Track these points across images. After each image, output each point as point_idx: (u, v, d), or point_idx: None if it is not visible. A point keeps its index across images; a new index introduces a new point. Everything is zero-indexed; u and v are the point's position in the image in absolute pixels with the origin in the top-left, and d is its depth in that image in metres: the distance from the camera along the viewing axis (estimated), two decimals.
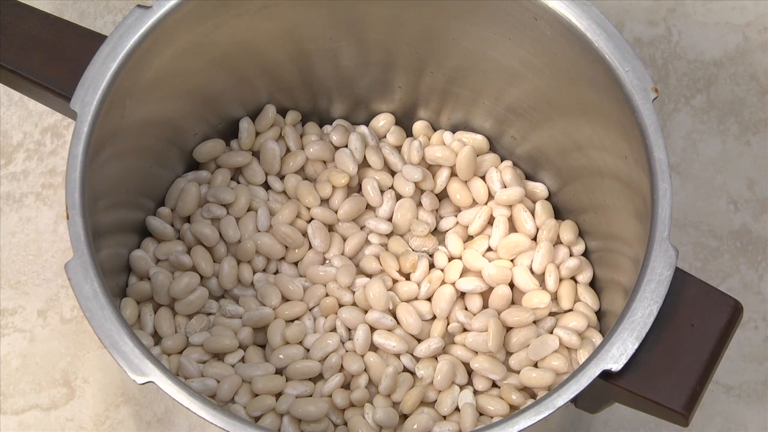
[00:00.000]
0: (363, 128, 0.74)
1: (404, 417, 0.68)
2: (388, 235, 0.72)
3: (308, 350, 0.68)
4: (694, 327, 0.58)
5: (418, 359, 0.69)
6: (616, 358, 0.57)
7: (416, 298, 0.70)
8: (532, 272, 0.70)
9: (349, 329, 0.69)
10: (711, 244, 0.77)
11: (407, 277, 0.70)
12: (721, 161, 0.79)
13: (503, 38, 0.68)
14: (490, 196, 0.72)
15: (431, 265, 0.71)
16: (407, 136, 0.75)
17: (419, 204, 0.73)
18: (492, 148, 0.74)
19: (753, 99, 0.81)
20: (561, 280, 0.70)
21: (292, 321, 0.69)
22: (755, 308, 0.75)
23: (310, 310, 0.70)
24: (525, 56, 0.68)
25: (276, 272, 0.71)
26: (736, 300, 0.59)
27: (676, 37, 0.82)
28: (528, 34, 0.66)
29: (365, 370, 0.68)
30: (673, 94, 0.81)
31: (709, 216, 0.78)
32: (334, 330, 0.69)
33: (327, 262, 0.71)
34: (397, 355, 0.68)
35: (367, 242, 0.72)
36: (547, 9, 0.64)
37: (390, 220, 0.72)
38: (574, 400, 0.58)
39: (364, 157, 0.73)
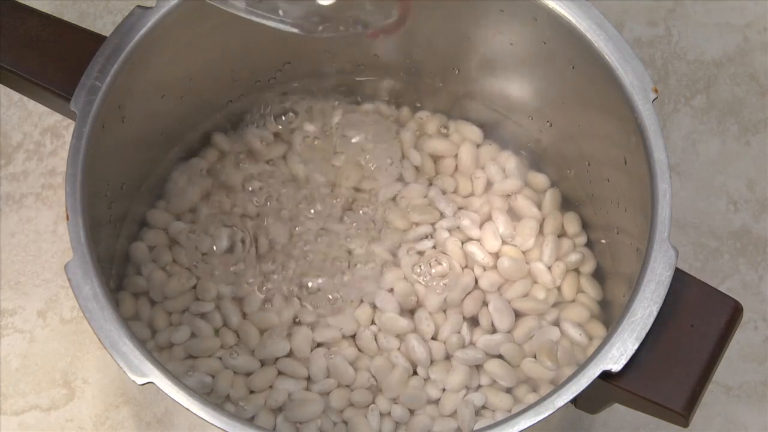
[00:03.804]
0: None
1: None
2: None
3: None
4: (694, 327, 0.58)
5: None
6: (616, 358, 0.57)
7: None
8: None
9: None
10: (711, 245, 0.77)
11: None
12: (721, 161, 0.79)
13: (503, 38, 0.68)
14: (489, 186, 0.73)
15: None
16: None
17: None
18: (491, 139, 0.74)
19: (753, 99, 0.81)
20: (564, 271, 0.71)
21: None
22: (755, 309, 0.75)
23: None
24: (524, 56, 0.68)
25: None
26: (736, 300, 0.59)
27: (675, 37, 0.82)
28: (528, 34, 0.66)
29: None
30: (673, 95, 0.81)
31: (709, 216, 0.78)
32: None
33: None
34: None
35: None
36: (547, 9, 0.64)
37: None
38: (574, 401, 0.58)
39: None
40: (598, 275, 0.71)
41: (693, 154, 0.79)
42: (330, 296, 0.69)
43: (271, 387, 0.67)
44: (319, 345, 0.69)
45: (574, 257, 0.71)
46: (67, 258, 0.59)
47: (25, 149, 0.79)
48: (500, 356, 0.69)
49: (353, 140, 0.74)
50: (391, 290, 0.70)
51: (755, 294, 0.76)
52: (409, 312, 0.70)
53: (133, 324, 0.68)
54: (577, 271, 0.71)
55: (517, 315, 0.69)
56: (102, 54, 0.62)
